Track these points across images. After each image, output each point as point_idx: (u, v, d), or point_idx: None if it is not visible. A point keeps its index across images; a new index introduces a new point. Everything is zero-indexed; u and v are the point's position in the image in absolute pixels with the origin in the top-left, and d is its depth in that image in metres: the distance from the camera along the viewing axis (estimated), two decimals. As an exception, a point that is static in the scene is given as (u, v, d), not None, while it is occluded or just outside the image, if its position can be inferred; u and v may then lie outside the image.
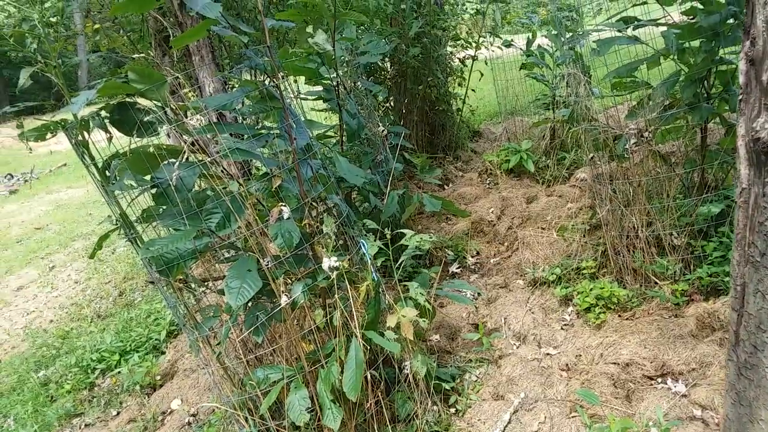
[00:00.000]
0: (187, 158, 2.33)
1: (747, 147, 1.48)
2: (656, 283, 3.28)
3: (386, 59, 5.82)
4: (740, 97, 1.49)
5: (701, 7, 3.08)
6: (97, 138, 2.36)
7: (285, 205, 2.41)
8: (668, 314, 3.09)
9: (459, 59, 6.65)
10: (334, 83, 3.81)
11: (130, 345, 4.14)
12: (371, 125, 4.28)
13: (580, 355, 2.99)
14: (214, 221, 2.29)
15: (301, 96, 4.09)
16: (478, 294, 3.78)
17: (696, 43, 3.20)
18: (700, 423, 2.38)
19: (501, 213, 4.85)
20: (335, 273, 2.42)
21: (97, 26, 4.59)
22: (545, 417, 2.59)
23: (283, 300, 2.36)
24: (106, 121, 2.31)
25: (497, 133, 7.24)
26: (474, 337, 3.21)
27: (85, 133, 2.31)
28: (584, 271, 3.59)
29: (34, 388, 3.88)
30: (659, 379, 2.71)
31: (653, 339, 2.90)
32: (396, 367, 2.78)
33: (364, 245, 2.71)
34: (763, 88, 1.39)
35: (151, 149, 2.36)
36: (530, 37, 5.75)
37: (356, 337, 2.44)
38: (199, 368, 3.60)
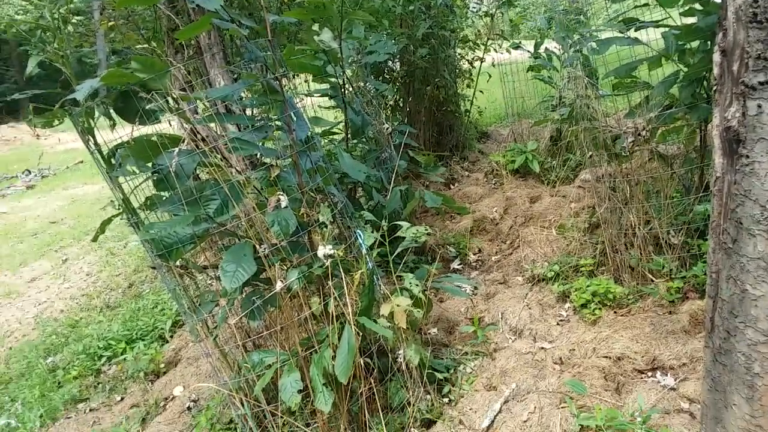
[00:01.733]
0: (192, 147, 2.41)
1: (721, 136, 1.51)
2: (652, 280, 3.29)
3: (395, 59, 5.89)
4: (715, 88, 1.53)
5: (700, 8, 3.11)
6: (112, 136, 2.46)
7: (283, 194, 2.48)
8: (663, 311, 3.10)
9: (468, 61, 6.71)
10: (340, 81, 3.88)
11: (136, 333, 4.23)
12: (377, 123, 4.35)
13: (574, 349, 3.02)
14: (213, 207, 2.37)
15: (308, 93, 4.18)
16: (475, 288, 3.82)
17: (696, 44, 3.22)
18: (687, 415, 2.40)
19: (504, 212, 4.89)
20: (330, 261, 2.48)
21: (111, 23, 4.71)
22: (535, 407, 2.63)
23: (278, 285, 2.42)
24: (110, 108, 2.40)
25: (505, 134, 7.28)
26: (469, 330, 3.25)
27: (90, 120, 2.40)
28: (582, 269, 3.61)
29: (42, 374, 3.97)
30: (649, 373, 2.73)
31: (646, 334, 2.92)
32: (390, 356, 2.83)
33: (360, 235, 2.78)
34: (733, 78, 1.43)
35: (154, 138, 2.45)
36: (538, 39, 5.78)
37: (349, 323, 2.49)
38: (202, 356, 3.67)
